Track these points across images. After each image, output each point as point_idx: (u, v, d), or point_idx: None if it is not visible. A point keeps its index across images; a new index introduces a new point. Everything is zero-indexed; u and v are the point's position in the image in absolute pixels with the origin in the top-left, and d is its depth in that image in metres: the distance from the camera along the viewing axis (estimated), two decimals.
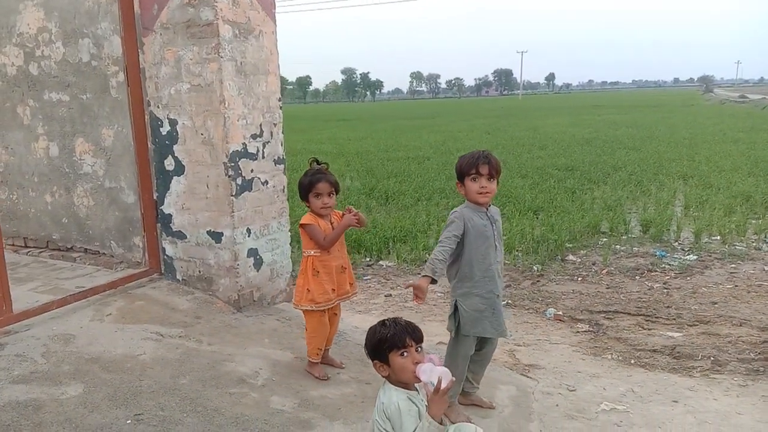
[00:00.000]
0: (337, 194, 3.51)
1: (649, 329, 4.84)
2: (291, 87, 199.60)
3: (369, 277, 7.26)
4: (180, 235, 4.51)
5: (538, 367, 3.81)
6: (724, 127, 23.79)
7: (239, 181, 4.19)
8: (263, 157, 4.33)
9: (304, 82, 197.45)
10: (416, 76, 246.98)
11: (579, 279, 6.74)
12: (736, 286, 6.10)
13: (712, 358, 4.03)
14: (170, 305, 4.08)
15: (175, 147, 4.34)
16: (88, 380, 3.13)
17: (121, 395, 3.00)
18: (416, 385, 2.21)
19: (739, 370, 3.80)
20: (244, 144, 4.18)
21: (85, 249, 5.36)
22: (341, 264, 3.48)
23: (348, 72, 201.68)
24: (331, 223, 3.47)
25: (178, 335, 3.63)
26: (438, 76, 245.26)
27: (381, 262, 7.83)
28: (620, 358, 4.15)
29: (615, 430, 2.87)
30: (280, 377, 3.27)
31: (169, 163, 4.41)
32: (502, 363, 3.92)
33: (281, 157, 4.50)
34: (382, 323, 2.24)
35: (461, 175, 2.92)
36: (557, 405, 3.17)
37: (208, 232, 4.32)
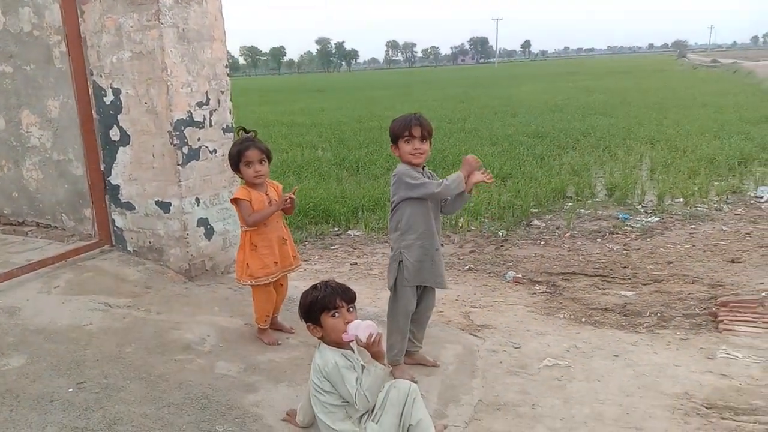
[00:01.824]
0: (269, 162, 3.40)
1: (603, 289, 4.93)
2: (265, 58, 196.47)
3: (336, 246, 7.27)
4: (129, 206, 4.45)
5: (489, 327, 3.87)
6: (694, 92, 24.02)
7: (185, 150, 4.12)
8: (210, 126, 4.27)
9: (277, 52, 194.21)
10: (392, 45, 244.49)
11: (542, 243, 6.82)
12: (694, 245, 6.22)
13: (658, 315, 4.13)
14: (120, 276, 4.05)
15: (119, 117, 4.25)
16: (31, 351, 3.11)
17: (64, 365, 2.98)
18: (351, 344, 2.24)
19: (683, 325, 3.90)
20: (189, 112, 4.11)
21: (37, 223, 5.28)
22: (280, 235, 3.43)
23: (322, 42, 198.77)
24: (267, 194, 3.40)
25: (126, 305, 3.61)
26: (414, 45, 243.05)
27: (349, 232, 7.84)
28: (572, 317, 4.23)
29: (555, 384, 2.94)
30: (228, 343, 3.29)
31: (114, 134, 4.33)
32: (455, 324, 3.97)
33: (230, 125, 4.43)
34: (314, 287, 2.27)
35: (395, 138, 2.99)
36: (501, 362, 3.22)
37: (156, 203, 4.26)
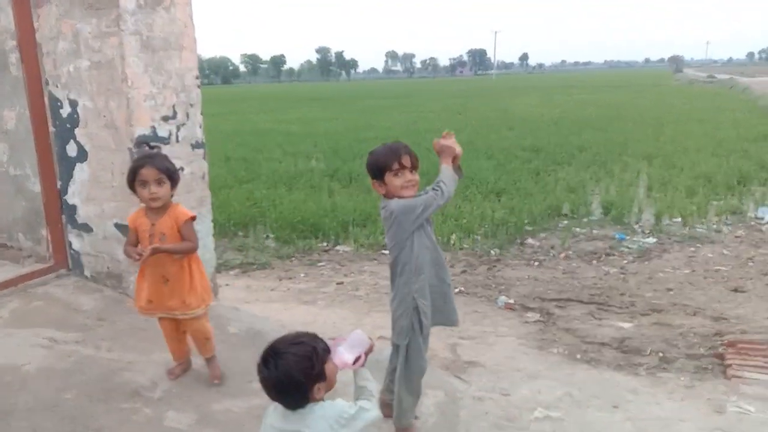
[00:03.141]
0: (173, 183, 2.96)
1: (600, 319, 4.65)
2: (265, 66, 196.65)
3: (323, 263, 7.00)
4: (86, 228, 4.13)
5: (477, 365, 3.58)
6: (691, 107, 23.90)
7: None
8: (177, 141, 3.93)
9: (278, 60, 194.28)
10: (391, 56, 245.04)
11: (536, 264, 6.56)
12: (694, 271, 5.96)
13: (660, 354, 3.83)
14: (73, 305, 3.72)
15: (76, 131, 3.95)
16: None
17: None
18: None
19: (687, 367, 3.61)
20: (153, 127, 3.78)
21: None
22: (162, 273, 2.98)
23: (322, 51, 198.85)
24: (154, 225, 2.94)
25: (74, 340, 3.29)
26: (413, 56, 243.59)
27: (338, 248, 7.57)
28: (566, 352, 3.94)
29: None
30: (183, 388, 2.96)
31: (71, 149, 4.02)
32: (441, 360, 3.68)
33: (200, 141, 4.10)
34: (297, 342, 1.95)
35: (380, 171, 2.62)
36: (487, 413, 2.92)
37: (116, 225, 3.94)
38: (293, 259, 7.10)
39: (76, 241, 4.23)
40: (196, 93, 4.01)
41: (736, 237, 7.24)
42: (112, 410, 2.73)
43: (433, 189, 2.60)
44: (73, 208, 4.16)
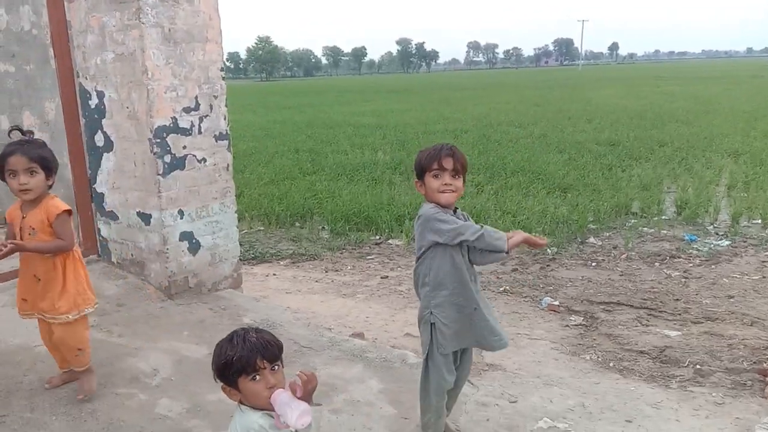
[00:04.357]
0: (49, 173, 2.71)
1: (647, 325, 4.36)
2: (347, 58, 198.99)
3: (373, 256, 6.97)
4: (112, 216, 4.27)
5: (497, 368, 3.43)
6: None
7: (167, 158, 3.87)
8: (200, 133, 4.00)
9: (359, 53, 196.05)
10: (473, 46, 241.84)
11: (593, 264, 6.25)
12: (764, 277, 5.49)
13: (698, 366, 3.54)
14: (95, 291, 3.84)
15: (103, 121, 4.06)
16: None
17: None
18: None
19: (723, 382, 3.30)
20: (173, 118, 3.85)
21: None
22: (33, 273, 2.78)
23: (403, 43, 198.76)
24: (25, 218, 2.73)
25: (90, 325, 3.41)
26: (495, 46, 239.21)
27: (390, 241, 7.53)
28: (599, 359, 3.71)
29: None
30: (181, 376, 3.01)
31: (99, 139, 4.15)
32: None
33: (224, 132, 4.15)
34: (230, 340, 1.85)
35: (421, 171, 2.47)
36: (488, 419, 2.77)
37: (138, 214, 4.05)
38: (344, 251, 7.12)
39: (104, 228, 4.39)
40: (221, 85, 4.05)
41: None
42: (108, 394, 2.81)
43: (474, 227, 2.42)
44: (101, 196, 4.31)
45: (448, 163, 2.42)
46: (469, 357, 2.70)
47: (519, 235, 2.44)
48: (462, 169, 2.46)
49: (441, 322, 2.48)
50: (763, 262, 5.96)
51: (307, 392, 1.82)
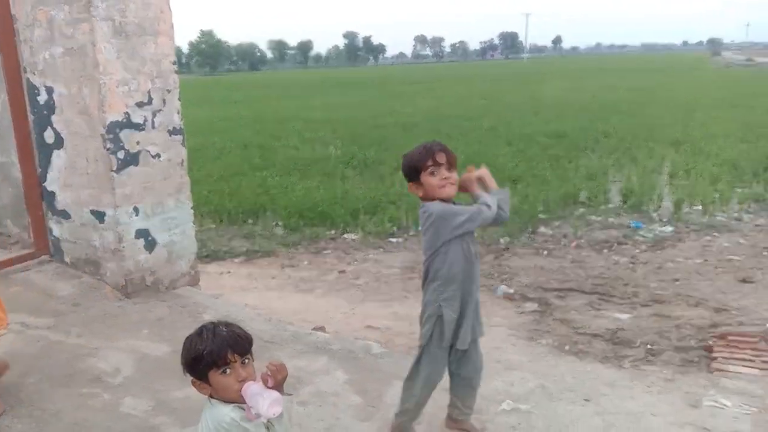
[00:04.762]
0: None
1: (598, 309, 4.53)
2: (293, 52, 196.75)
3: (329, 251, 6.97)
4: (64, 215, 4.15)
5: None
6: (725, 92, 23.16)
7: (121, 154, 3.79)
8: (153, 128, 3.91)
9: (305, 46, 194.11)
10: (420, 40, 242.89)
11: (545, 253, 6.43)
12: (706, 260, 5.76)
13: (648, 346, 3.71)
14: (49, 291, 3.77)
15: (53, 117, 3.95)
16: None
17: None
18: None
19: (672, 360, 3.49)
20: (126, 113, 3.77)
21: None
22: None
23: (350, 36, 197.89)
24: None
25: (45, 326, 3.32)
26: (442, 40, 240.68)
27: (345, 235, 7.53)
28: (555, 343, 3.84)
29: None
30: (144, 374, 2.97)
31: (48, 136, 4.03)
32: None
33: (178, 127, 4.08)
34: (199, 334, 1.84)
35: (415, 172, 2.47)
36: None
37: (91, 212, 3.95)
38: (299, 246, 7.09)
39: (56, 228, 4.26)
40: (174, 79, 3.97)
41: (756, 225, 7.00)
42: (71, 395, 2.75)
43: (485, 201, 2.42)
44: (52, 194, 4.18)
45: (442, 158, 2.43)
46: (475, 351, 2.66)
47: (475, 188, 2.49)
48: (454, 162, 2.49)
49: (448, 314, 2.49)
50: (704, 246, 6.25)
51: (277, 382, 1.82)
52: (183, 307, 3.79)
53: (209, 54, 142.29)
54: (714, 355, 3.53)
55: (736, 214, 7.45)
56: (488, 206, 2.39)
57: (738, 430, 2.64)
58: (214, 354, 1.77)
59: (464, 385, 2.66)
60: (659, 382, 3.07)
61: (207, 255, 6.60)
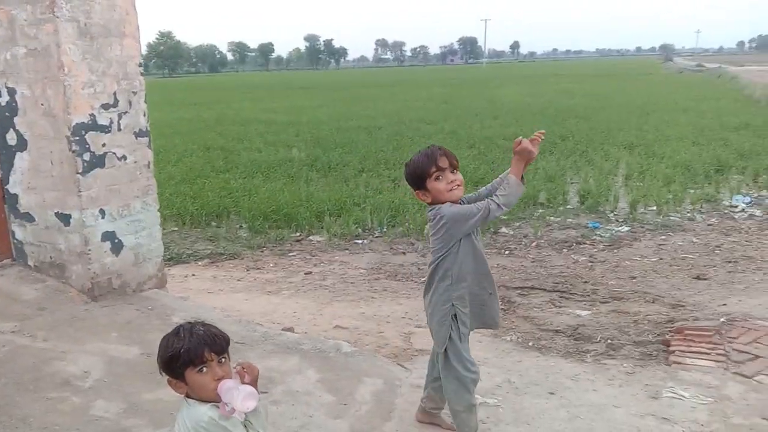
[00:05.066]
0: None
1: (560, 307, 4.66)
2: (253, 54, 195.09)
3: (295, 253, 6.97)
4: (28, 218, 4.08)
5: (427, 353, 3.53)
6: (677, 96, 23.91)
7: (87, 156, 3.75)
8: (119, 130, 3.89)
9: (266, 49, 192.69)
10: (381, 44, 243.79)
11: (507, 253, 6.56)
12: (661, 258, 5.97)
13: (609, 341, 3.86)
14: (13, 295, 3.69)
15: (15, 119, 3.88)
16: None
17: None
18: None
19: (632, 354, 3.63)
20: (92, 115, 3.74)
21: None
22: None
23: (311, 39, 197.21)
24: None
25: (10, 330, 3.26)
26: (403, 44, 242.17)
27: (311, 237, 7.54)
28: (519, 340, 3.95)
29: (479, 428, 2.63)
30: (114, 377, 2.95)
31: (11, 138, 3.95)
32: (392, 348, 3.69)
33: (144, 129, 4.06)
34: (176, 333, 1.86)
35: (420, 179, 2.49)
36: None
37: (56, 214, 3.89)
38: (264, 249, 7.07)
39: (18, 231, 4.18)
40: (140, 81, 3.94)
41: (709, 225, 7.27)
42: (39, 399, 2.70)
43: (492, 199, 2.44)
44: (15, 197, 4.11)
45: (444, 162, 2.46)
46: None
47: (517, 164, 2.46)
48: (457, 162, 2.53)
49: (462, 312, 2.53)
50: (659, 245, 6.48)
51: (253, 379, 1.86)
52: (151, 309, 3.76)
53: (168, 55, 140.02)
54: (671, 348, 3.67)
55: (689, 214, 7.72)
56: (497, 204, 2.41)
57: (695, 419, 2.77)
58: (191, 352, 1.79)
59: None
60: (620, 375, 3.20)
61: (170, 258, 6.52)
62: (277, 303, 5.05)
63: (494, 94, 30.28)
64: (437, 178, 2.46)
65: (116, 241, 4.02)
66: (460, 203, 2.52)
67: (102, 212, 3.90)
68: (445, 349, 2.56)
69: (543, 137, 2.48)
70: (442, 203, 2.48)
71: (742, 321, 3.98)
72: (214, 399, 1.83)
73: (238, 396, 1.76)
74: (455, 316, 2.53)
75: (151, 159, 4.12)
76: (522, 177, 2.46)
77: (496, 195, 2.45)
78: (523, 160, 2.47)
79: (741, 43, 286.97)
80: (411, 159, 2.57)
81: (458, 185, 2.49)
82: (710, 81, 35.36)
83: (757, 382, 3.17)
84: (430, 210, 2.52)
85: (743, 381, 3.18)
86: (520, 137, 2.47)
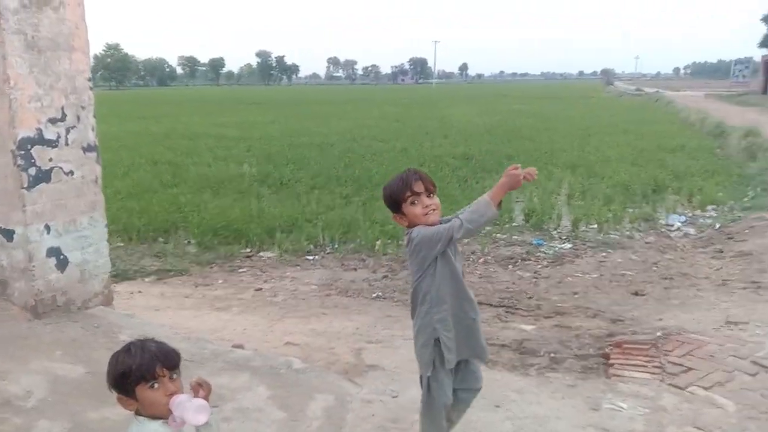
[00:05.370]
0: None
1: (505, 322, 4.79)
2: (204, 68, 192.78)
3: (245, 269, 6.92)
4: None
5: (377, 368, 3.61)
6: (617, 119, 24.84)
7: (33, 171, 3.68)
8: (67, 144, 3.84)
9: (217, 63, 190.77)
10: (333, 62, 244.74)
11: None
12: (602, 275, 6.20)
13: (552, 354, 4.00)
14: None
15: None
16: None
17: None
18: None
19: (574, 367, 3.77)
20: (38, 129, 3.67)
21: None
22: None
23: (263, 55, 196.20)
24: None
25: None
26: (355, 63, 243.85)
27: (261, 254, 7.50)
28: None
29: None
30: (59, 397, 2.88)
31: None
32: (343, 364, 3.71)
33: (92, 144, 4.01)
34: (127, 350, 1.85)
35: (396, 203, 2.46)
36: (373, 415, 2.95)
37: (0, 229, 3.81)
38: (213, 265, 7.01)
39: None
40: (89, 95, 3.90)
41: (646, 243, 7.58)
42: None
43: (457, 217, 2.42)
44: None
45: (419, 187, 2.43)
46: (474, 368, 2.68)
47: (499, 187, 2.38)
48: (433, 187, 2.50)
49: (446, 336, 2.48)
50: (600, 262, 6.73)
51: (206, 394, 1.87)
52: (97, 327, 3.68)
53: (116, 68, 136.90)
54: (611, 361, 3.82)
55: (628, 232, 8.04)
56: (461, 222, 2.37)
57: (633, 430, 2.91)
58: (143, 368, 1.79)
59: (466, 395, 2.67)
60: (562, 387, 3.32)
61: (116, 274, 6.36)
62: (227, 320, 5.01)
63: (444, 113, 30.80)
64: (413, 203, 2.45)
65: (61, 257, 3.93)
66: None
67: (47, 228, 3.81)
68: (429, 378, 2.54)
69: (533, 178, 2.42)
70: (419, 225, 2.46)
71: (676, 335, 4.18)
72: (165, 415, 1.83)
73: (190, 408, 1.77)
74: (438, 339, 2.49)
75: (99, 174, 4.06)
76: (500, 202, 2.40)
77: (462, 213, 2.44)
78: (507, 185, 2.39)
79: (677, 69, 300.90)
80: (388, 183, 2.54)
81: (434, 209, 2.47)
82: (648, 105, 36.89)
83: (690, 393, 3.34)
84: (406, 233, 2.52)
85: (677, 392, 3.34)
86: (518, 165, 2.43)
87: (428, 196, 2.46)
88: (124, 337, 3.54)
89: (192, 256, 7.23)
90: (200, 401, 1.80)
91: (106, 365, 1.83)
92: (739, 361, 3.70)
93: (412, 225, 2.48)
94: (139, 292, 5.97)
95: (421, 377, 2.60)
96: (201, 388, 1.84)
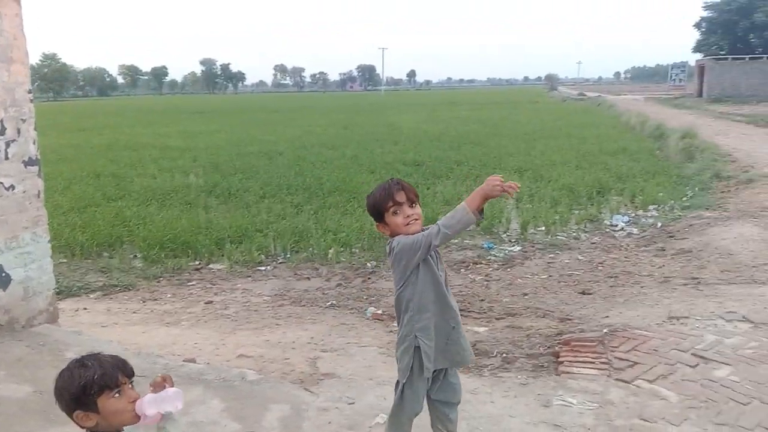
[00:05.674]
0: None
1: None
2: (146, 77, 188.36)
3: (194, 282, 6.79)
4: None
5: (333, 376, 3.62)
6: (561, 123, 25.50)
7: None
8: (7, 158, 3.70)
9: (159, 72, 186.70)
10: (280, 69, 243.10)
11: None
12: (550, 276, 6.36)
13: (504, 355, 4.09)
14: None
15: None
16: None
17: None
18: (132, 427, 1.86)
19: (525, 366, 3.87)
20: None
21: None
22: None
23: (207, 63, 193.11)
24: None
25: None
26: (302, 70, 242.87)
27: (211, 266, 7.37)
28: None
29: None
30: (4, 418, 2.77)
31: None
32: (298, 374, 3.69)
33: (33, 158, 3.88)
34: (82, 364, 1.81)
35: (379, 213, 2.51)
36: (330, 422, 2.96)
37: None
38: (161, 279, 6.85)
39: None
40: (29, 108, 3.78)
41: (592, 243, 7.81)
42: None
43: (437, 223, 2.45)
44: None
45: (402, 197, 2.47)
46: (453, 380, 2.72)
47: (476, 194, 2.39)
48: (416, 197, 2.54)
49: (425, 344, 2.51)
50: (548, 263, 6.89)
51: (171, 384, 1.88)
52: (43, 345, 3.56)
53: (53, 78, 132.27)
54: (560, 359, 3.94)
55: (574, 234, 8.26)
56: (438, 228, 2.41)
57: (583, 424, 3.00)
58: (106, 377, 1.78)
59: (444, 409, 2.69)
60: (515, 387, 3.40)
61: (60, 291, 6.15)
62: (177, 334, 4.90)
63: (393, 120, 30.96)
64: (395, 213, 2.49)
65: (3, 274, 3.78)
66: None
67: None
68: (404, 384, 2.58)
69: (515, 191, 2.44)
70: (401, 234, 2.50)
71: (622, 331, 4.33)
72: (129, 422, 1.83)
73: (167, 398, 1.80)
74: (418, 347, 2.52)
75: (41, 188, 3.92)
76: (482, 210, 2.42)
77: (441, 219, 2.47)
78: (483, 191, 2.41)
79: (617, 74, 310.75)
80: (371, 192, 2.59)
81: (416, 219, 2.51)
82: (591, 109, 37.98)
83: (635, 387, 3.47)
84: (388, 243, 2.55)
85: (624, 386, 3.47)
86: (501, 176, 2.45)
87: (410, 206, 2.51)
88: (70, 354, 3.43)
89: (139, 271, 7.04)
90: (174, 389, 1.84)
91: (53, 384, 1.79)
92: (681, 354, 3.86)
93: (394, 234, 2.52)
94: (85, 308, 5.78)
95: (397, 382, 2.65)
96: (165, 382, 1.85)
